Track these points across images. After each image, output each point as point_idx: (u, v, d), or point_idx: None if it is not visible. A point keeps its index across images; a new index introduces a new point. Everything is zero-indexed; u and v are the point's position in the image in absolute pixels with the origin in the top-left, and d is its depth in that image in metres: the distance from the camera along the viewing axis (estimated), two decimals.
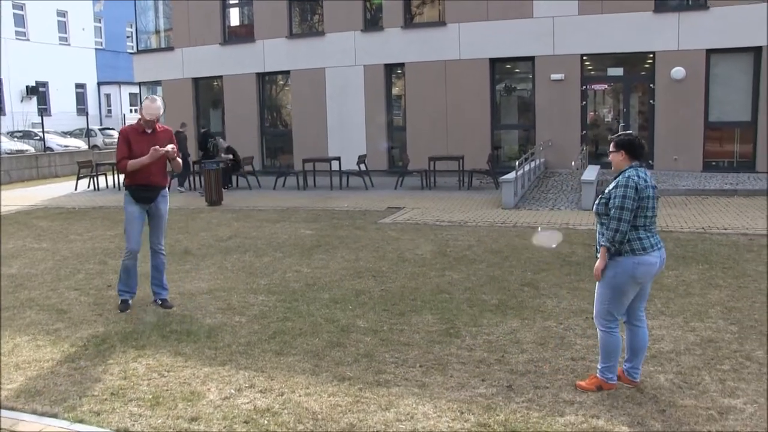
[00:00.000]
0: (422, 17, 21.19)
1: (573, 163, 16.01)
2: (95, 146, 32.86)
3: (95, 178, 20.82)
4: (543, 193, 15.72)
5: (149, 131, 6.94)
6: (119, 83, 42.29)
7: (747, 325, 6.08)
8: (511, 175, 14.11)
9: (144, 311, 6.98)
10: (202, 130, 20.34)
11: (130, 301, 7.16)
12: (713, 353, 5.40)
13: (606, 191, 4.67)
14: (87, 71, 42.14)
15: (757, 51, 17.52)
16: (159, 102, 7.01)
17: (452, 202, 15.05)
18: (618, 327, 4.74)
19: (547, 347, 5.61)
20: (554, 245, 6.44)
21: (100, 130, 36.00)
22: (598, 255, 4.65)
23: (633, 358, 4.78)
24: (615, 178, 4.68)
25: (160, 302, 7.16)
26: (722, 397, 4.58)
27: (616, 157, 4.72)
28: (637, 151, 4.67)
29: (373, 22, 21.23)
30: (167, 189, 7.29)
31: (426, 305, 6.89)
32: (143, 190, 6.98)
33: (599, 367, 4.75)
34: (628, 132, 4.93)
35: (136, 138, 6.89)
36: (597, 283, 4.75)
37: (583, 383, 4.75)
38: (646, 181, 4.55)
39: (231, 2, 23.66)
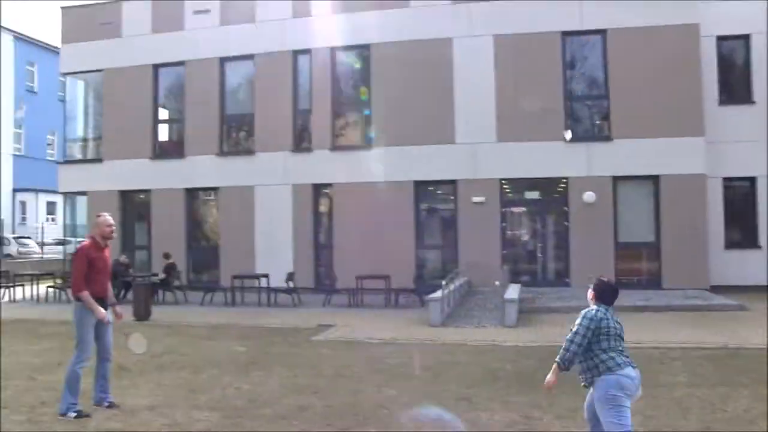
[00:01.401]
0: (349, 139, 22.11)
1: (497, 282, 16.73)
2: (8, 255, 32.04)
3: (12, 289, 20.31)
4: (468, 310, 16.28)
5: (103, 245, 7.61)
6: (36, 191, 41.65)
7: (663, 430, 6.59)
8: (438, 294, 14.65)
9: (86, 429, 6.95)
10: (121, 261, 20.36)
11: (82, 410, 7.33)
12: None
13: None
14: (3, 177, 41.41)
15: (655, 179, 19.16)
16: (111, 220, 7.76)
17: (381, 319, 15.42)
18: None
19: None
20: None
21: (14, 238, 35.18)
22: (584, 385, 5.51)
23: None
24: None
25: (108, 404, 7.55)
26: None
27: (591, 296, 5.60)
28: (604, 295, 5.54)
29: (301, 143, 22.00)
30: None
31: (369, 420, 7.15)
32: (99, 302, 7.43)
33: None
34: (608, 282, 5.71)
35: (94, 255, 7.47)
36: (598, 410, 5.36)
37: None
38: (604, 316, 5.40)
39: (162, 118, 24.15)
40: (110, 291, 7.80)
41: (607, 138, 19.53)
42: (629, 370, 5.27)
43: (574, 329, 5.30)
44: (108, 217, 7.73)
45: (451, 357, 10.76)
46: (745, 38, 20.34)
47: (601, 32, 19.76)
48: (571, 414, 7.27)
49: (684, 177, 18.93)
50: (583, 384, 5.49)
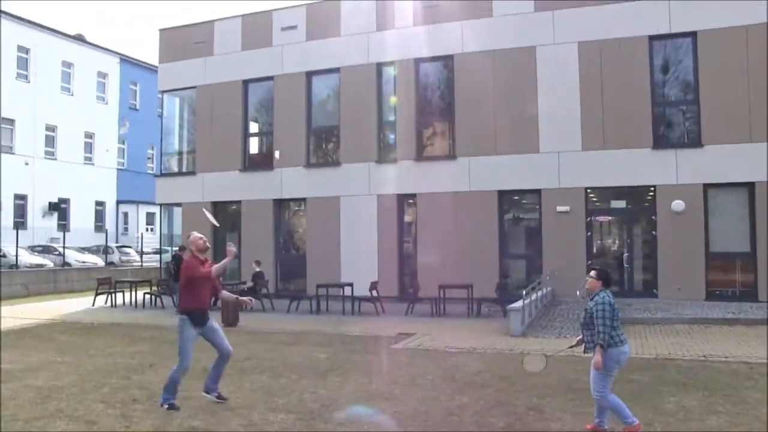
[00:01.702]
0: (434, 150, 22.29)
1: (578, 292, 16.50)
2: (111, 263, 33.64)
3: (113, 295, 21.37)
4: (550, 321, 16.15)
5: (203, 259, 8.20)
6: (137, 203, 43.66)
7: None
8: (519, 304, 14.61)
9: (170, 425, 7.35)
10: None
11: (175, 404, 8.04)
12: None
13: (587, 309, 6.90)
14: (107, 190, 43.69)
15: (750, 186, 18.41)
16: (199, 234, 8.34)
17: (462, 329, 15.48)
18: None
19: None
20: (537, 370, 7.58)
21: (117, 247, 36.94)
22: (589, 351, 6.93)
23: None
24: (592, 299, 6.89)
25: (217, 396, 8.34)
26: None
27: (594, 283, 6.97)
28: (609, 281, 7.06)
29: (386, 154, 22.32)
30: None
31: (436, 427, 7.27)
32: (200, 314, 8.10)
33: (624, 421, 6.84)
34: (604, 269, 7.25)
35: (194, 271, 8.05)
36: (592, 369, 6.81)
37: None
38: (612, 296, 6.91)
39: (252, 131, 24.97)
40: (227, 295, 8.81)
41: (698, 144, 18.96)
42: (627, 347, 6.85)
43: (602, 314, 6.66)
44: (196, 234, 8.28)
45: None
46: None
47: (691, 34, 19.22)
48: (645, 426, 7.18)
49: None
50: (585, 352, 7.03)
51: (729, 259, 18.96)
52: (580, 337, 7.14)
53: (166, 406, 7.94)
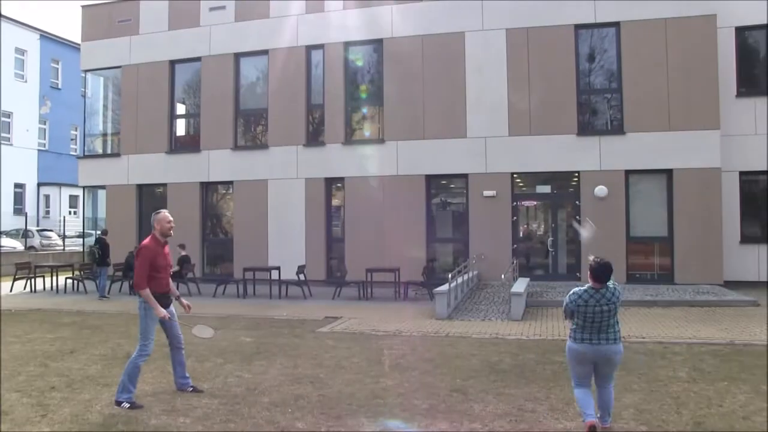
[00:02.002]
0: (362, 134, 22.28)
1: (503, 275, 16.82)
2: (32, 247, 32.60)
3: (33, 280, 20.74)
4: (475, 304, 16.40)
5: (163, 242, 7.80)
6: (60, 185, 42.31)
7: (655, 425, 6.70)
8: (445, 287, 14.80)
9: (90, 413, 7.20)
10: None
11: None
12: None
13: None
14: (28, 171, 42.13)
15: (668, 173, 19.08)
16: (169, 215, 7.85)
17: (388, 312, 15.59)
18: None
19: None
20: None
21: (37, 231, 35.79)
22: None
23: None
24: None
25: (192, 389, 8.00)
26: None
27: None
28: (594, 274, 6.54)
29: (314, 137, 22.20)
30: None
31: (361, 409, 7.32)
32: (163, 297, 7.73)
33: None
34: (601, 261, 6.60)
35: (155, 253, 7.63)
36: None
37: None
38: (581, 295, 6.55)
39: (179, 113, 24.48)
40: (172, 285, 8.04)
41: (620, 131, 19.49)
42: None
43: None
44: (166, 213, 7.82)
45: (453, 349, 10.89)
46: (766, 28, 19.99)
47: (615, 25, 19.70)
48: (564, 407, 7.40)
49: (698, 171, 18.85)
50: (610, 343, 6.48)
51: (648, 243, 19.63)
52: None
53: (127, 405, 7.30)
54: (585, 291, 6.47)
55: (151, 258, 7.55)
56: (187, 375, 8.08)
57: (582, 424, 6.35)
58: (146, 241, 7.75)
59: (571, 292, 6.53)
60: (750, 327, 12.80)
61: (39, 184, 43.03)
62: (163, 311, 7.54)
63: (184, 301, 8.13)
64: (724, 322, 13.42)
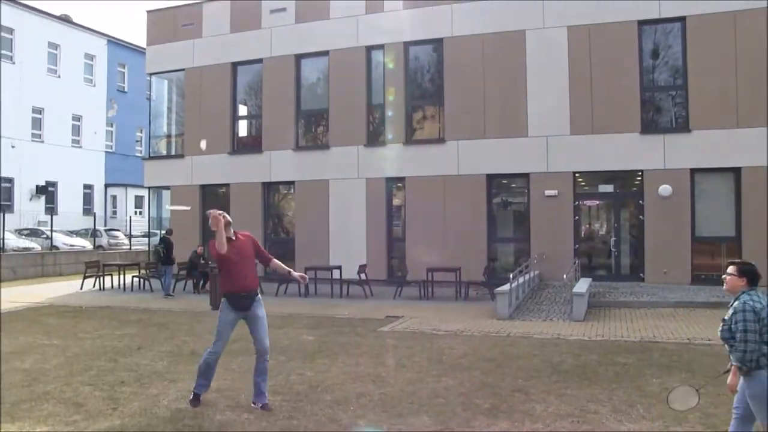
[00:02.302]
0: (422, 133, 22.28)
1: (565, 276, 16.62)
2: (100, 246, 33.54)
3: (101, 278, 21.35)
4: (537, 304, 16.26)
5: (233, 239, 7.35)
6: (126, 185, 43.47)
7: (721, 428, 6.54)
8: (506, 287, 14.70)
9: (157, 407, 7.39)
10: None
11: (201, 396, 7.45)
12: None
13: (726, 317, 5.14)
14: (96, 173, 43.43)
15: (736, 171, 18.55)
16: (215, 212, 7.34)
17: (449, 311, 15.57)
18: None
19: None
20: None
21: (105, 230, 36.85)
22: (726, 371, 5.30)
23: None
24: (732, 304, 5.17)
25: (261, 405, 7.25)
26: None
27: (735, 281, 5.21)
28: (757, 279, 5.19)
29: (375, 137, 22.31)
30: (260, 294, 7.59)
31: (422, 408, 7.34)
32: (241, 297, 7.27)
33: None
34: (749, 262, 5.35)
35: (222, 251, 7.17)
36: (749, 401, 5.08)
37: None
38: (761, 303, 5.03)
39: (241, 114, 24.88)
40: (282, 267, 7.68)
41: (685, 129, 19.05)
42: None
43: (741, 327, 4.96)
44: (212, 211, 7.38)
45: (514, 349, 10.83)
46: None
47: (680, 20, 19.25)
48: (627, 408, 7.32)
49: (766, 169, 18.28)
50: (744, 369, 5.03)
51: (714, 243, 19.17)
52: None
53: (191, 397, 7.45)
54: (756, 295, 5.15)
55: (218, 256, 7.16)
56: (264, 390, 7.35)
57: None
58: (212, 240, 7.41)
59: (742, 307, 5.03)
60: None
61: (106, 185, 44.29)
62: (223, 242, 7.09)
63: (296, 273, 7.77)
64: None
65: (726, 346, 5.18)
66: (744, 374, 5.00)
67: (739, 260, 5.38)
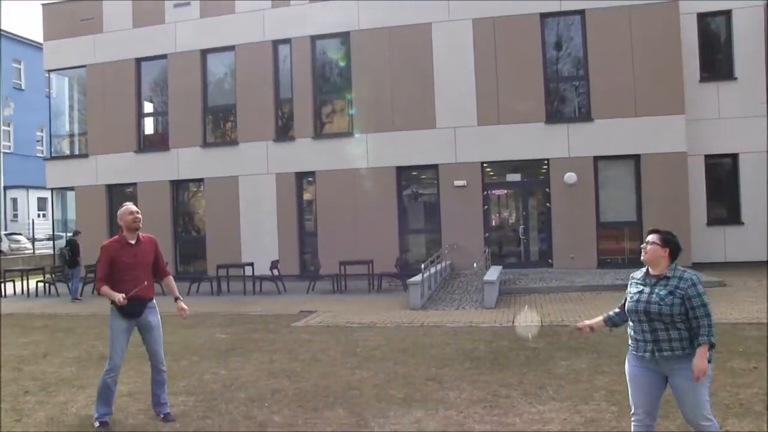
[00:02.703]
0: (332, 127, 22.27)
1: (475, 264, 16.96)
2: (0, 251, 32.14)
3: (3, 284, 20.50)
4: (449, 293, 16.53)
5: (132, 242, 6.78)
6: (27, 187, 41.72)
7: (625, 405, 6.79)
8: (418, 278, 14.89)
9: (66, 416, 7.17)
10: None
11: (109, 422, 6.77)
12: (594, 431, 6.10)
13: (663, 293, 4.68)
14: None
15: (636, 158, 19.36)
16: (134, 207, 6.87)
17: (362, 304, 15.66)
18: None
19: None
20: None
21: (5, 234, 35.28)
22: (647, 353, 4.74)
23: None
24: (670, 277, 4.75)
25: (163, 416, 6.90)
26: None
27: (658, 251, 4.79)
28: (678, 253, 4.83)
29: (284, 132, 22.16)
30: (154, 300, 7.01)
31: (337, 401, 7.38)
32: (130, 304, 6.63)
33: None
34: (672, 232, 4.93)
35: (119, 252, 6.67)
36: (681, 386, 4.67)
37: None
38: None
39: (146, 111, 24.27)
40: (173, 289, 7.13)
41: (588, 118, 19.72)
42: None
43: (703, 301, 4.60)
44: (129, 205, 6.88)
45: (428, 339, 10.99)
46: (727, 14, 20.35)
47: (580, 13, 19.88)
48: (537, 391, 7.53)
49: (665, 155, 19.13)
50: (665, 353, 4.68)
51: (618, 228, 19.92)
52: (592, 323, 5.40)
53: (96, 424, 6.66)
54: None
55: (109, 257, 6.62)
56: (163, 400, 7.00)
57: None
58: (111, 238, 6.93)
59: (697, 279, 4.68)
60: (717, 306, 12.98)
61: (5, 188, 42.31)
62: (117, 296, 6.43)
63: (182, 303, 7.11)
64: None
65: (657, 321, 4.69)
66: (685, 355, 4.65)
67: (662, 229, 4.97)
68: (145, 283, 6.76)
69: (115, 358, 6.73)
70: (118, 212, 6.86)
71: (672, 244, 4.79)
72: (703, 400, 4.58)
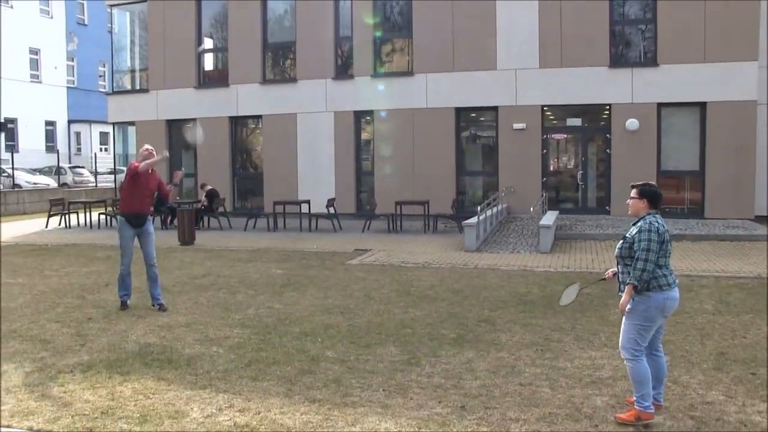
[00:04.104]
0: (391, 66, 22.03)
1: (532, 208, 16.77)
2: (65, 184, 33.04)
3: (67, 216, 21.08)
4: (504, 236, 16.42)
5: (150, 171, 9.19)
6: (90, 122, 42.58)
7: (678, 355, 6.74)
8: (474, 220, 14.81)
9: (126, 342, 7.40)
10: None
11: (128, 302, 9.13)
12: None
13: (628, 236, 5.16)
14: (58, 109, 42.36)
15: (702, 106, 18.69)
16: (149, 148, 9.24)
17: (417, 244, 15.68)
18: (644, 355, 5.13)
19: (499, 375, 6.19)
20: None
21: (69, 168, 36.16)
22: (621, 293, 5.15)
23: (658, 384, 5.22)
24: (635, 224, 5.19)
25: (158, 306, 8.95)
26: None
27: (637, 204, 5.22)
28: (657, 200, 5.18)
29: (343, 71, 22.02)
30: (150, 217, 9.49)
31: (390, 338, 7.44)
32: (136, 216, 9.05)
33: (635, 397, 5.08)
34: (650, 183, 5.35)
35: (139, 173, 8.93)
36: (624, 318, 5.19)
37: (623, 415, 5.09)
38: (664, 226, 5.12)
39: (206, 47, 24.32)
40: (149, 208, 9.38)
41: (653, 63, 19.05)
42: (675, 291, 5.14)
43: (644, 246, 4.98)
44: (146, 146, 9.28)
45: (481, 281, 10.97)
46: None
47: None
48: (590, 337, 7.50)
49: (733, 104, 18.40)
50: (619, 291, 5.23)
51: (679, 177, 19.40)
52: (614, 269, 5.55)
53: (119, 304, 9.12)
54: (659, 217, 5.22)
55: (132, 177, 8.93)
56: (158, 292, 9.05)
57: (643, 411, 5.08)
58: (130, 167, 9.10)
59: (648, 227, 5.04)
60: None
61: (69, 122, 43.32)
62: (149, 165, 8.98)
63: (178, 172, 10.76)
64: (752, 256, 13.31)
65: (620, 264, 5.25)
66: (637, 293, 5.04)
67: (639, 182, 5.37)
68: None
69: (127, 258, 9.09)
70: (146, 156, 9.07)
71: (648, 194, 5.18)
72: (628, 336, 5.12)
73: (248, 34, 22.69)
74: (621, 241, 5.23)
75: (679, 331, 7.66)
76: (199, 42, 23.60)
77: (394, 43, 22.18)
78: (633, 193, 5.25)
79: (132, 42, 26.27)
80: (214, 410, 5.34)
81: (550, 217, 15.85)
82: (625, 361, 5.22)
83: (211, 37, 24.44)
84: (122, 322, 8.27)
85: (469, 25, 20.19)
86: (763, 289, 10.10)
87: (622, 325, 5.21)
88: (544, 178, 20.06)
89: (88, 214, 21.41)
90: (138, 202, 9.04)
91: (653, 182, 5.40)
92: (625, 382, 5.89)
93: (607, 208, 19.51)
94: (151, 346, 7.23)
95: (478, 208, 15.59)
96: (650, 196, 5.17)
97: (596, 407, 5.38)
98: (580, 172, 20.22)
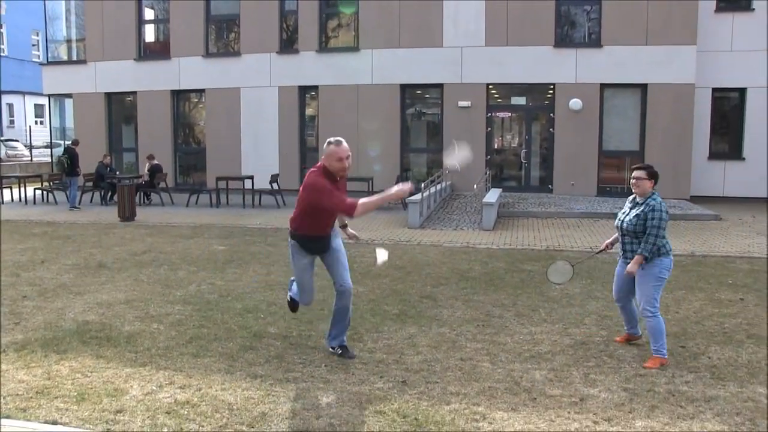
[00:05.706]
0: (337, 42, 21.85)
1: (475, 186, 16.91)
2: None
3: (0, 191, 20.45)
4: (447, 213, 16.54)
5: (338, 179, 6.14)
6: (23, 93, 41.15)
7: (614, 330, 6.91)
8: (417, 197, 14.86)
9: (63, 320, 7.24)
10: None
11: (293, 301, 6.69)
12: (583, 353, 6.20)
13: (639, 212, 5.93)
14: None
15: (643, 87, 19.08)
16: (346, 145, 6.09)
17: (361, 221, 15.63)
18: (659, 311, 5.97)
19: (440, 350, 6.26)
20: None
21: (2, 141, 35.01)
22: (627, 261, 6.06)
23: (636, 323, 6.46)
24: (641, 203, 5.98)
25: (340, 352, 6.14)
26: (584, 386, 5.37)
27: (646, 184, 5.97)
28: (658, 179, 6.05)
29: (288, 45, 21.76)
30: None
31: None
32: (315, 240, 6.24)
33: (655, 347, 5.92)
34: (649, 164, 6.22)
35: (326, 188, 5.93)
36: (638, 284, 5.99)
37: (648, 364, 5.84)
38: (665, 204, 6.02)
39: (147, 18, 23.74)
40: (331, 228, 6.36)
41: (597, 44, 19.32)
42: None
43: (659, 222, 5.82)
44: (341, 146, 6.07)
45: (424, 257, 11.05)
46: None
47: None
48: (530, 312, 7.61)
49: (673, 86, 18.82)
50: (625, 261, 6.10)
51: (620, 157, 19.79)
52: (609, 241, 6.57)
53: (288, 297, 6.71)
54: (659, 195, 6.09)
55: (319, 201, 5.94)
56: (335, 336, 6.27)
57: (661, 357, 5.89)
58: (316, 171, 6.05)
59: (660, 207, 5.86)
60: (711, 240, 13.09)
61: (1, 92, 41.72)
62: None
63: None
64: (686, 235, 13.66)
65: (626, 236, 6.07)
66: (647, 262, 5.90)
67: (642, 164, 6.23)
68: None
69: (307, 297, 6.47)
70: (327, 149, 6.10)
71: (655, 176, 6.03)
72: (646, 297, 5.93)
73: (191, 6, 22.22)
74: (633, 217, 5.96)
75: (616, 306, 7.83)
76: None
77: (341, 17, 21.98)
78: (641, 174, 6.00)
79: (68, 11, 25.40)
80: (154, 387, 5.27)
81: (493, 195, 16.02)
82: (645, 319, 5.99)
83: (152, 8, 23.87)
84: (59, 300, 8.08)
85: (416, 2, 20.12)
86: (695, 266, 10.40)
87: (637, 290, 6.00)
88: (488, 156, 20.24)
89: (23, 189, 20.80)
90: (319, 223, 6.19)
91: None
92: (563, 356, 6.05)
93: (549, 186, 19.81)
94: (89, 323, 7.09)
95: (422, 185, 15.66)
96: (656, 177, 6.01)
97: (535, 380, 5.49)
98: (524, 150, 20.47)
